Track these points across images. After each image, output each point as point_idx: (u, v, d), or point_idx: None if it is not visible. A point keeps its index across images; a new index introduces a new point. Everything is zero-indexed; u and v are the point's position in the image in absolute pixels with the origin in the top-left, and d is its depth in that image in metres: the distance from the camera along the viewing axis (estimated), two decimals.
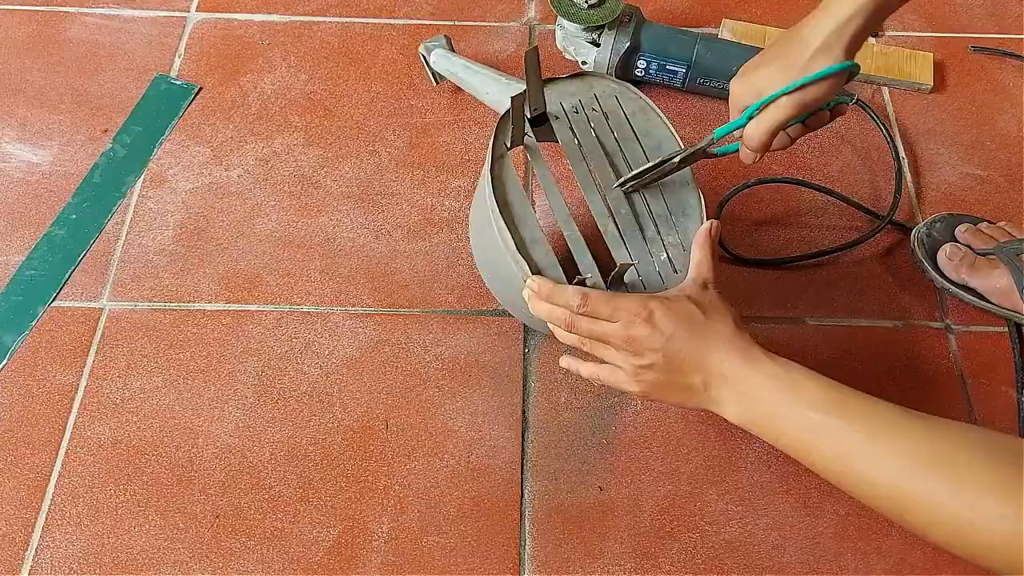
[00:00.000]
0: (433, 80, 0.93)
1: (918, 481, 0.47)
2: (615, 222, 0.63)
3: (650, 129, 0.68)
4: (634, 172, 0.64)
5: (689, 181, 0.66)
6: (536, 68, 0.62)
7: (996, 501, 0.43)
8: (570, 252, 0.61)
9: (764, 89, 0.59)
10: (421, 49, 0.92)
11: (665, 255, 0.63)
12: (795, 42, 0.59)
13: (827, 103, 0.61)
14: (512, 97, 0.61)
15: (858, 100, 0.91)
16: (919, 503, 0.47)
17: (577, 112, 0.68)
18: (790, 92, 0.58)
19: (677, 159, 0.63)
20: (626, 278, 0.61)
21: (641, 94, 0.69)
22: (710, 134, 0.63)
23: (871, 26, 0.58)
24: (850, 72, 0.58)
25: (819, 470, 0.53)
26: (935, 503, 0.46)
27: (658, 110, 0.69)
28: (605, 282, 0.60)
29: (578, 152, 0.65)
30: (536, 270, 0.60)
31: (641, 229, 0.64)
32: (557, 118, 0.67)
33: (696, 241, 0.62)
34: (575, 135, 0.66)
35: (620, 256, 0.62)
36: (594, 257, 0.61)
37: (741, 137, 0.62)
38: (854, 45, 0.58)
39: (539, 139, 0.67)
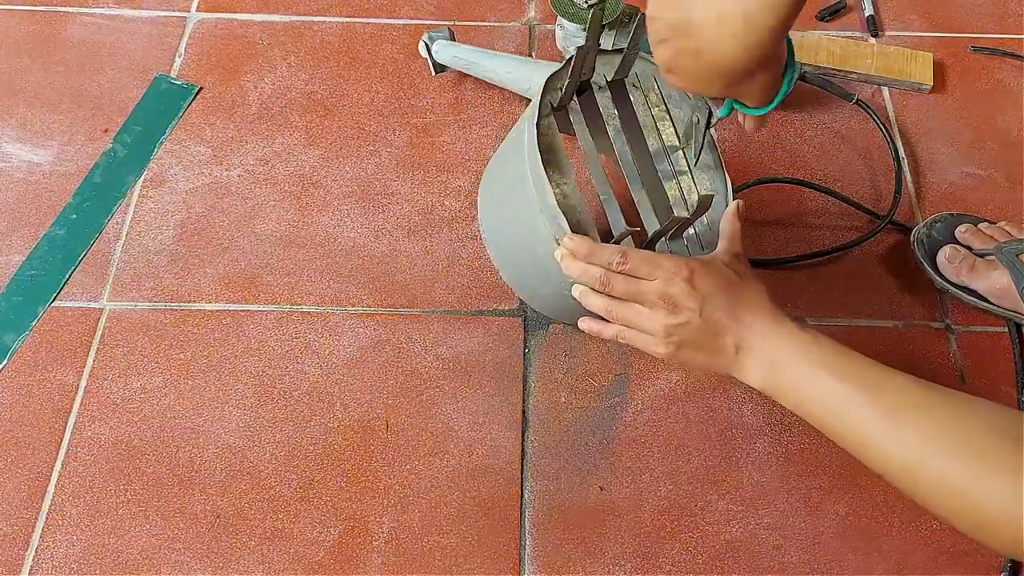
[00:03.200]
0: (432, 70, 0.93)
1: (933, 457, 0.48)
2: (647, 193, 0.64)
3: (684, 112, 0.69)
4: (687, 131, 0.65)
5: (717, 164, 0.67)
6: (597, 29, 0.62)
7: (1005, 480, 0.44)
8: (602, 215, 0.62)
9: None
10: (424, 38, 0.92)
11: (693, 231, 0.64)
12: None
13: None
14: (577, 48, 0.61)
15: (858, 100, 0.91)
16: (931, 478, 0.48)
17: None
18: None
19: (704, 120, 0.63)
20: (657, 248, 0.62)
21: None
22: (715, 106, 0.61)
23: None
24: None
25: (836, 438, 0.54)
26: (947, 479, 0.47)
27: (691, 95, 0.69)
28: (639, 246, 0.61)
29: (617, 122, 0.66)
30: (574, 229, 0.60)
31: (672, 206, 0.65)
32: (600, 88, 0.67)
33: (726, 216, 0.63)
34: (615, 106, 0.67)
35: (650, 224, 0.63)
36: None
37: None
38: None
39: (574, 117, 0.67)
